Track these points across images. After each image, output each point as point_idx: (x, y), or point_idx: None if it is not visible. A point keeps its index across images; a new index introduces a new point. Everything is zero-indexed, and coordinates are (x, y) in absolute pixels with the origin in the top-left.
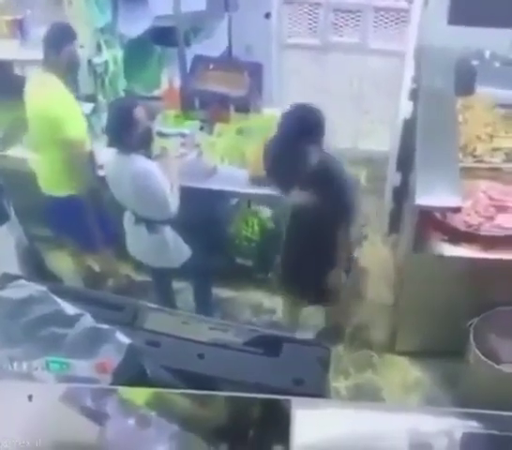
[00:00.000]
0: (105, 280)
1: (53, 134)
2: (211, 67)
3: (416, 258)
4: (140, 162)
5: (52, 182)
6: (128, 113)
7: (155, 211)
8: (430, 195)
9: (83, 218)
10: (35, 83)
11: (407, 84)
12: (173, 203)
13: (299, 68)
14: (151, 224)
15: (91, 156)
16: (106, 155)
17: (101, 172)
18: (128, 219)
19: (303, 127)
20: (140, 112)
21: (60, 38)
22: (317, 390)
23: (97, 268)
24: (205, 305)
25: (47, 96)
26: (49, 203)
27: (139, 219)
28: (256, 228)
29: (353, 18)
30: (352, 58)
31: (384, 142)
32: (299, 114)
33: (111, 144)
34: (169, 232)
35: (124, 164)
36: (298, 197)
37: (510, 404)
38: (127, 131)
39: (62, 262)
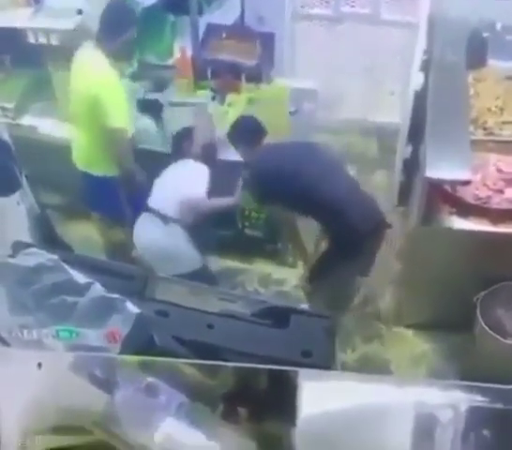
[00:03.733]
0: (128, 252)
1: (96, 118)
2: (223, 35)
3: (425, 230)
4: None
5: (89, 160)
6: None
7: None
8: (440, 167)
9: (116, 197)
10: (83, 58)
11: (419, 56)
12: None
13: (311, 39)
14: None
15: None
16: None
17: None
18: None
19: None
20: None
21: (121, 21)
22: (324, 362)
23: (121, 240)
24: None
25: (93, 75)
26: (83, 179)
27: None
28: None
29: None
30: (364, 29)
31: (395, 113)
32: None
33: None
34: (183, 234)
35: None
36: None
37: None
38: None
39: (74, 231)
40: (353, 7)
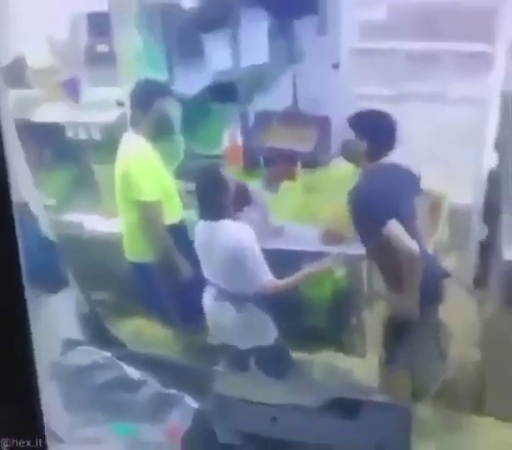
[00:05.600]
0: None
1: (128, 193)
2: (275, 122)
3: (506, 316)
4: (232, 227)
5: (130, 247)
6: (216, 173)
7: (246, 284)
8: None
9: (159, 289)
10: (123, 147)
11: (491, 134)
12: (267, 274)
13: None
14: (240, 300)
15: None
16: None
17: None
18: (210, 297)
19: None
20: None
21: (148, 94)
22: None
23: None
24: (281, 367)
25: (125, 154)
26: (131, 271)
27: (224, 296)
28: (328, 287)
29: (429, 65)
30: (429, 107)
31: (465, 194)
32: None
33: (202, 212)
34: (256, 309)
35: (215, 232)
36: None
37: None
38: (218, 193)
39: (126, 327)
40: (416, 85)
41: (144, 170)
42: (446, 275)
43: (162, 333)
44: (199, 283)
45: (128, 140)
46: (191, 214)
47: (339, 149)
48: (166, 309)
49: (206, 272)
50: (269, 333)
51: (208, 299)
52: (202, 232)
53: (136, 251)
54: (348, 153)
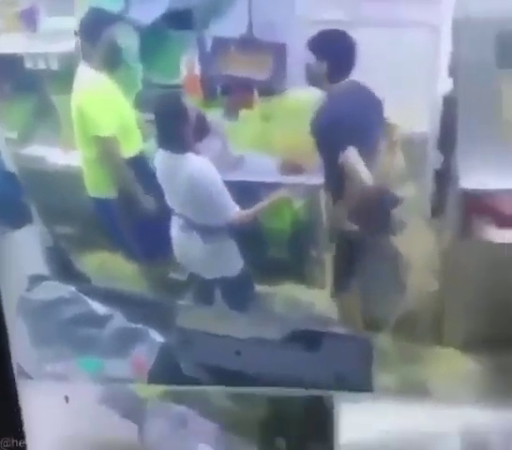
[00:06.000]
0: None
1: (85, 129)
2: (232, 49)
3: (463, 244)
4: (195, 161)
5: (91, 182)
6: (176, 103)
7: (212, 215)
8: (475, 177)
9: (123, 223)
10: (77, 80)
11: (445, 60)
12: (233, 206)
13: None
14: (206, 231)
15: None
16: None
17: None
18: (177, 227)
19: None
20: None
21: (96, 24)
22: (360, 385)
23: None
24: (245, 299)
25: (82, 92)
26: (94, 206)
27: (191, 226)
28: (287, 219)
29: None
30: (383, 33)
31: (422, 122)
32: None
33: (162, 143)
34: (226, 239)
35: (177, 164)
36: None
37: None
38: (179, 122)
39: (90, 261)
40: (370, 9)
41: (100, 103)
42: (399, 203)
43: (127, 267)
44: (164, 215)
45: (81, 72)
46: (151, 144)
47: (303, 74)
48: (131, 243)
49: (171, 203)
50: (235, 263)
51: (175, 230)
52: (162, 162)
53: (97, 186)
54: (310, 76)
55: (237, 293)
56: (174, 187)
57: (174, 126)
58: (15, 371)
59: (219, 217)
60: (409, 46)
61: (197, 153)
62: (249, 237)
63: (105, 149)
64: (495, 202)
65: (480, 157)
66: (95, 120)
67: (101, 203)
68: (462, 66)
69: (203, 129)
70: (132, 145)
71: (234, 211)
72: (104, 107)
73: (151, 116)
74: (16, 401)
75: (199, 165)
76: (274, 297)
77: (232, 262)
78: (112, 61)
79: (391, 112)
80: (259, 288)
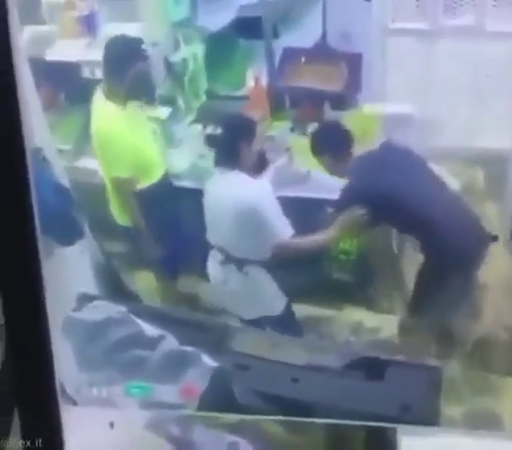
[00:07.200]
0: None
1: (102, 165)
2: (303, 60)
3: None
4: (256, 183)
5: (114, 210)
6: (242, 116)
7: (257, 246)
8: None
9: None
10: (96, 112)
11: None
12: (289, 231)
13: (405, 57)
14: (245, 266)
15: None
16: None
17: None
18: (212, 262)
19: None
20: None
21: (123, 55)
22: (426, 418)
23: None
24: (297, 328)
25: (98, 128)
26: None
27: (229, 260)
28: (355, 239)
29: None
30: (467, 44)
31: (504, 139)
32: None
33: (221, 160)
34: (265, 275)
35: (231, 185)
36: None
37: None
38: (244, 139)
39: (143, 280)
40: (453, 18)
41: (119, 143)
42: (494, 239)
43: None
44: (200, 249)
45: (99, 104)
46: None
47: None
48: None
49: (212, 231)
50: (277, 301)
51: (212, 266)
52: (214, 183)
53: (118, 215)
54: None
55: (285, 327)
56: (221, 211)
57: (239, 141)
58: (59, 396)
59: (265, 247)
60: (493, 60)
61: (260, 170)
62: (309, 260)
63: (119, 187)
64: None
65: None
66: (111, 161)
67: (127, 230)
68: None
69: (265, 148)
70: (152, 178)
71: (289, 235)
72: (124, 146)
73: (213, 130)
74: (59, 428)
75: (259, 186)
76: (334, 322)
77: (273, 299)
78: (139, 95)
79: (469, 129)
80: (318, 312)
